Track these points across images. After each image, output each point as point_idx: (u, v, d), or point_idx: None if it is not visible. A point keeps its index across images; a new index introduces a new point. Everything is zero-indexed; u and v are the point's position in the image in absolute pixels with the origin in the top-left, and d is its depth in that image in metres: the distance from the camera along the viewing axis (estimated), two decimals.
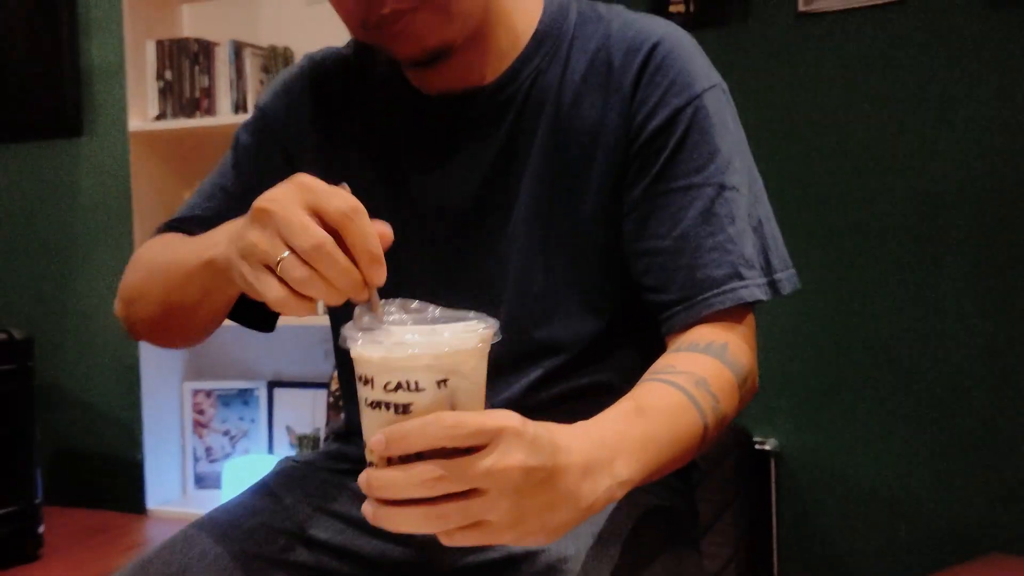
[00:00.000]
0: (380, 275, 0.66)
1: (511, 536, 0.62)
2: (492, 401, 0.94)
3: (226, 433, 2.98)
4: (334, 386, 2.74)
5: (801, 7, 2.25)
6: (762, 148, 2.42)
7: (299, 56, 3.10)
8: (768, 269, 0.91)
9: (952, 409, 2.16)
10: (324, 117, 1.02)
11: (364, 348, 0.62)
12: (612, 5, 0.99)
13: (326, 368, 2.70)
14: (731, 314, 0.89)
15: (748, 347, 0.89)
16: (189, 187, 2.89)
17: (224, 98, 2.80)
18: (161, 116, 2.83)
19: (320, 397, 2.85)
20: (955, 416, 2.15)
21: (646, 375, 0.83)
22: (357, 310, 0.65)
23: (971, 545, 2.12)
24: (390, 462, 0.60)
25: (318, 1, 2.77)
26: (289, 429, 2.91)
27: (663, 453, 0.75)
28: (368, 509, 0.61)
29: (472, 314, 0.65)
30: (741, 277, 0.89)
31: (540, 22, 0.97)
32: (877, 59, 2.20)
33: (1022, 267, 2.10)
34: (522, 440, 0.61)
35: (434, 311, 0.66)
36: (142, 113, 2.85)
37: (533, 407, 0.94)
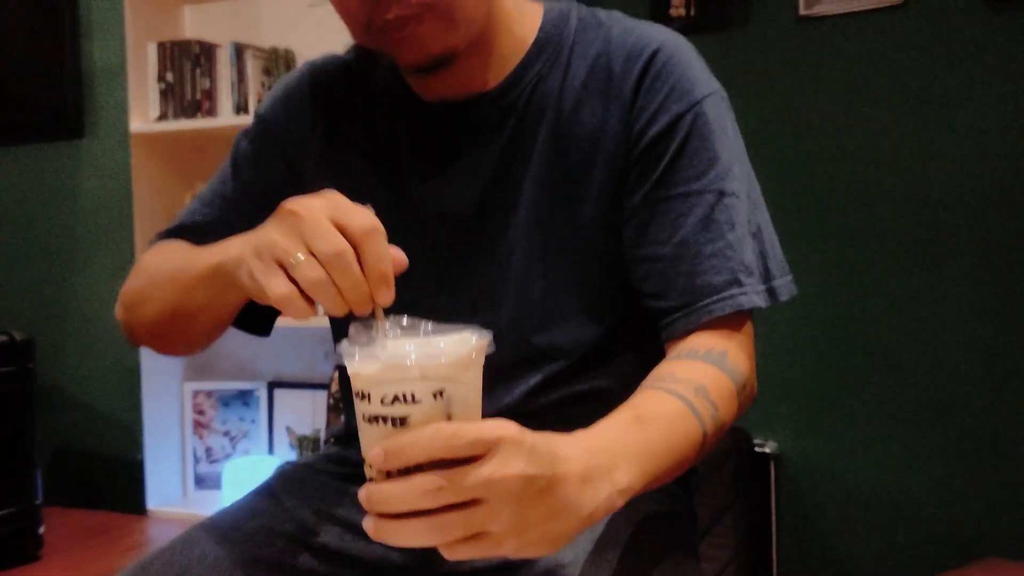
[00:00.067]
0: (387, 296, 0.68)
1: (513, 546, 0.62)
2: (493, 407, 0.94)
3: (226, 434, 2.98)
4: (334, 387, 2.75)
5: (802, 11, 2.25)
6: (762, 151, 2.42)
7: (301, 58, 3.09)
8: (767, 276, 0.92)
9: (951, 413, 2.16)
10: (325, 123, 1.03)
11: (360, 363, 0.62)
12: (612, 11, 1.00)
13: (326, 369, 2.71)
14: (730, 321, 0.89)
15: (747, 354, 0.89)
16: (190, 189, 2.89)
17: (225, 100, 2.80)
18: (162, 118, 2.84)
19: (320, 398, 2.86)
20: (954, 420, 2.16)
21: (645, 383, 0.83)
22: (352, 328, 0.66)
23: (970, 549, 2.13)
24: (389, 476, 0.60)
25: (320, 3, 2.77)
26: (289, 430, 2.91)
27: (663, 461, 0.75)
28: (369, 524, 0.61)
29: (465, 328, 0.65)
30: (740, 284, 0.89)
31: (541, 28, 0.97)
32: (877, 63, 2.20)
33: (1022, 271, 2.11)
34: (521, 449, 0.61)
35: (426, 327, 0.66)
36: (143, 115, 2.85)
37: (533, 412, 0.95)
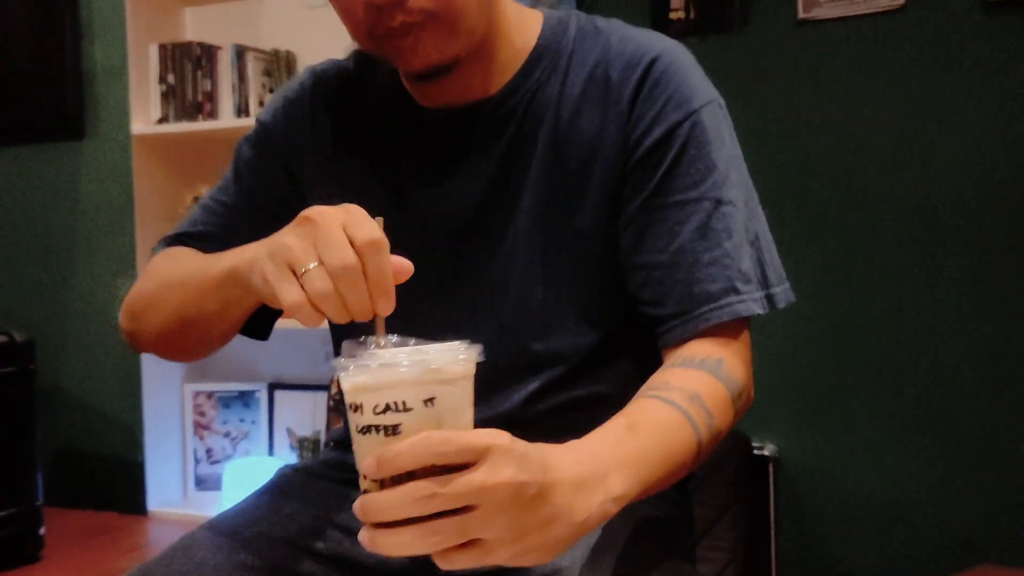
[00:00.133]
0: (387, 307, 0.70)
1: (507, 554, 0.63)
2: (492, 413, 0.95)
3: (227, 435, 2.98)
4: (334, 389, 2.75)
5: (800, 14, 2.26)
6: (761, 154, 2.43)
7: (301, 60, 3.09)
8: (765, 283, 0.92)
9: (950, 415, 2.16)
10: (325, 130, 1.03)
11: (353, 374, 0.63)
12: (611, 19, 1.00)
13: (327, 371, 2.71)
14: (727, 328, 0.89)
15: (743, 362, 0.90)
16: (191, 190, 2.89)
17: (226, 102, 2.80)
18: (163, 119, 2.84)
19: (321, 399, 2.86)
20: (953, 422, 2.16)
21: (640, 391, 0.84)
22: (345, 344, 0.67)
23: (968, 551, 2.13)
24: (383, 486, 0.61)
25: (320, 5, 2.78)
26: (290, 431, 2.92)
27: (657, 469, 0.76)
28: (365, 536, 0.62)
29: (455, 343, 0.66)
30: (737, 292, 0.89)
31: (540, 36, 0.98)
32: (875, 66, 2.21)
33: (1021, 273, 2.11)
34: (512, 456, 0.62)
35: (415, 343, 0.68)
36: (144, 116, 2.85)
37: (532, 418, 0.95)
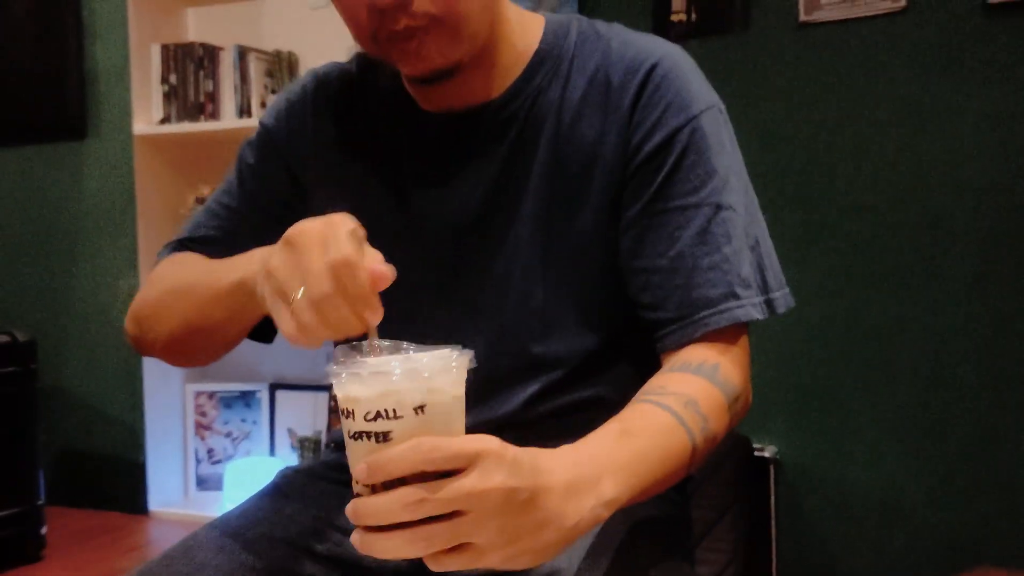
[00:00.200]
0: (374, 317, 0.70)
1: (498, 557, 0.63)
2: (491, 415, 0.96)
3: (228, 435, 2.99)
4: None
5: (801, 17, 2.26)
6: (762, 156, 2.44)
7: (303, 61, 3.08)
8: (764, 288, 0.92)
9: (950, 417, 2.17)
10: (327, 133, 1.03)
11: (344, 382, 0.64)
12: (612, 24, 1.01)
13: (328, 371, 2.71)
14: (725, 334, 0.90)
15: (740, 367, 0.90)
16: (193, 191, 2.90)
17: (228, 102, 2.80)
18: (165, 120, 2.84)
19: (322, 400, 2.87)
20: (953, 424, 2.16)
21: (636, 396, 0.84)
22: (337, 351, 0.68)
23: (968, 554, 2.14)
24: (375, 491, 0.62)
25: (323, 6, 2.78)
26: (291, 431, 2.92)
27: (650, 473, 0.76)
28: (356, 538, 0.63)
29: (446, 348, 0.67)
30: (737, 297, 0.90)
31: (542, 41, 0.98)
32: (876, 68, 2.21)
33: (1022, 276, 2.11)
34: (502, 462, 0.62)
35: (408, 349, 0.69)
36: (146, 117, 2.86)
37: (532, 421, 0.96)
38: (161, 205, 2.89)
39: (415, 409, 0.62)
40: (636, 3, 2.40)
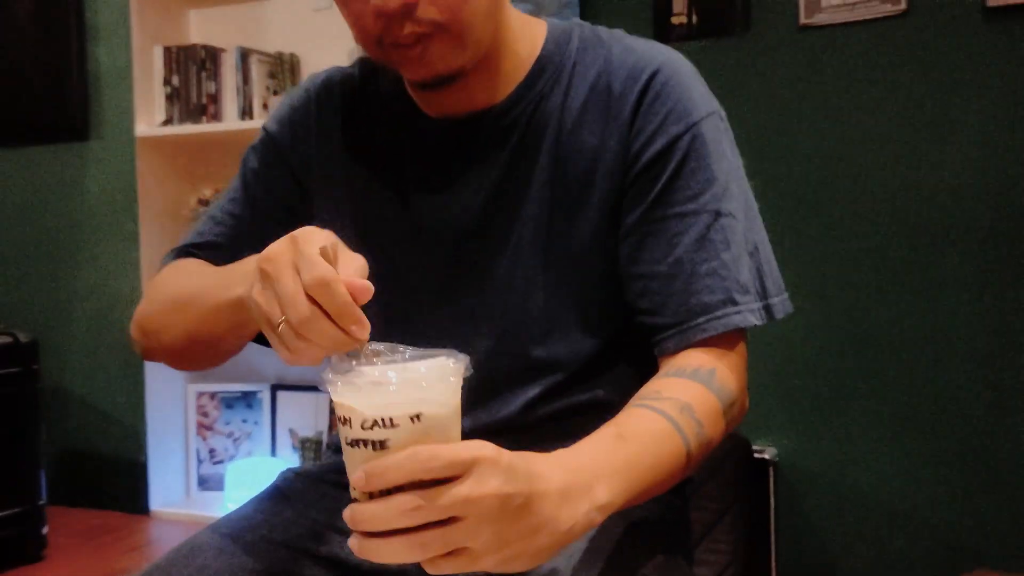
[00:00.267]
0: (361, 332, 0.69)
1: (493, 561, 0.64)
2: (491, 419, 0.96)
3: (229, 435, 2.99)
4: None
5: (802, 20, 2.26)
6: (762, 158, 2.44)
7: (305, 63, 3.08)
8: (763, 293, 0.93)
9: (950, 419, 2.17)
10: (330, 138, 1.04)
11: (341, 390, 0.64)
12: (614, 30, 1.01)
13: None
14: (723, 339, 0.90)
15: (736, 373, 0.90)
16: (195, 192, 2.91)
17: (230, 104, 2.81)
18: (168, 121, 2.85)
19: (323, 401, 2.87)
20: (953, 427, 2.17)
21: (632, 401, 0.85)
22: (334, 356, 0.69)
23: (968, 556, 2.14)
24: (372, 497, 0.63)
25: (325, 8, 2.78)
26: (292, 432, 2.93)
27: (644, 478, 0.76)
28: (354, 543, 0.63)
29: (442, 352, 0.67)
30: (735, 303, 0.90)
31: (544, 47, 0.99)
32: (877, 71, 2.21)
33: (1022, 279, 2.12)
34: (497, 468, 0.63)
35: (404, 352, 0.69)
36: (149, 118, 2.87)
37: (531, 423, 0.96)
38: (163, 206, 2.90)
39: (411, 418, 0.63)
40: (637, 5, 2.41)
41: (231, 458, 2.97)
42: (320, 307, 0.68)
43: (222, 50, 2.83)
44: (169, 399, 2.96)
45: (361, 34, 0.91)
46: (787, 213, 2.29)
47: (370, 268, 0.71)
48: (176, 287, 0.98)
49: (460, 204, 0.98)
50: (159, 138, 2.85)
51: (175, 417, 2.98)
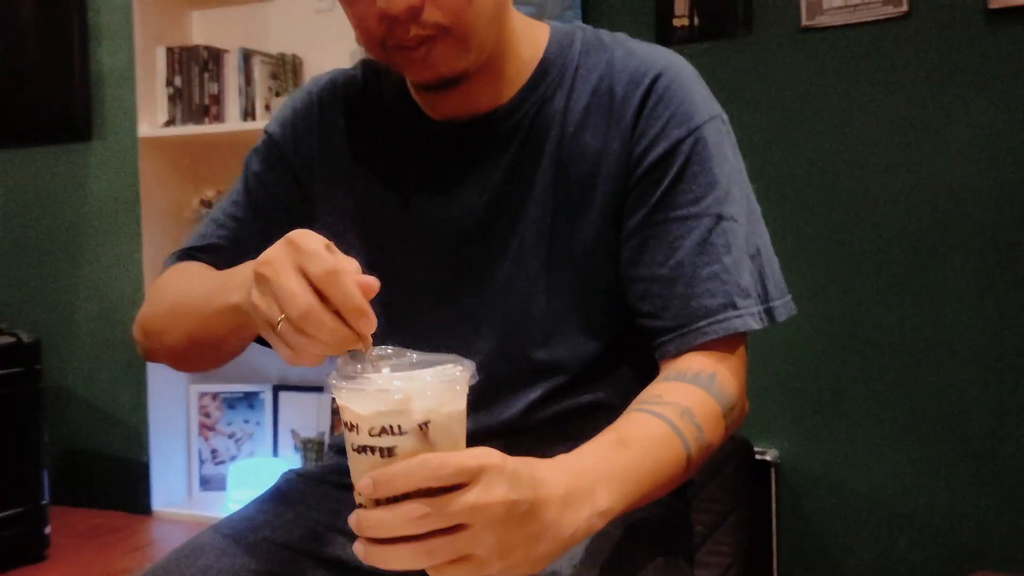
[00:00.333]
0: (368, 326, 0.68)
1: (497, 568, 0.64)
2: (493, 421, 0.97)
3: (231, 436, 3.00)
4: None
5: (803, 22, 2.27)
6: (764, 160, 2.44)
7: (308, 64, 3.08)
8: (765, 297, 0.93)
9: (952, 421, 2.17)
10: (333, 140, 1.04)
11: (348, 396, 0.64)
12: (616, 33, 1.01)
13: (331, 372, 2.72)
14: (723, 343, 0.90)
15: (737, 377, 0.90)
16: (197, 193, 2.91)
17: (233, 105, 2.82)
18: (170, 122, 2.86)
19: (325, 401, 2.88)
20: (955, 428, 2.17)
21: (632, 405, 0.85)
22: (340, 360, 0.68)
23: (970, 557, 2.14)
24: (378, 503, 0.63)
25: (327, 9, 2.79)
26: (294, 432, 2.93)
27: (644, 483, 0.77)
28: (360, 549, 0.64)
29: (449, 357, 0.67)
30: (735, 307, 0.90)
31: (546, 50, 0.99)
32: (879, 73, 2.22)
33: None
34: (503, 475, 0.63)
35: (411, 356, 0.69)
36: (151, 119, 2.87)
37: (533, 425, 0.96)
38: (165, 207, 2.91)
39: (420, 426, 0.63)
40: (638, 7, 2.41)
41: (233, 458, 2.97)
42: (323, 301, 0.67)
43: (224, 51, 2.84)
44: (171, 399, 2.97)
45: (365, 36, 0.91)
46: (789, 214, 2.29)
47: (372, 270, 0.71)
48: (177, 290, 0.99)
49: (462, 206, 0.98)
50: (162, 139, 2.86)
51: (177, 417, 2.99)
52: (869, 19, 2.21)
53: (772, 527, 2.28)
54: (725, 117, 0.97)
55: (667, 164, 0.93)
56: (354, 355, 0.69)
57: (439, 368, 0.66)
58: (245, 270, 0.82)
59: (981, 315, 2.14)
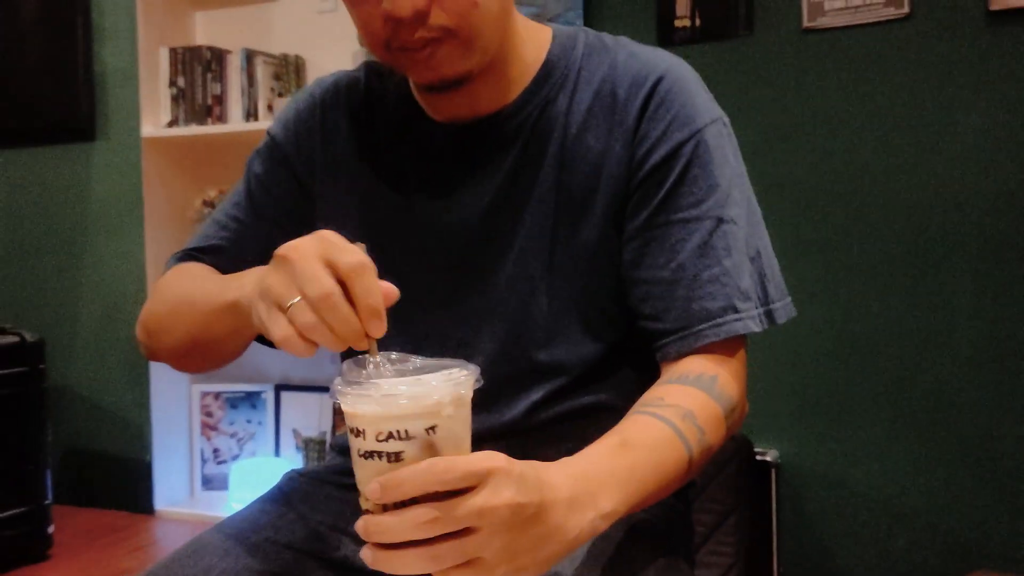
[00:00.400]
0: (379, 329, 0.68)
1: (503, 571, 0.65)
2: (495, 422, 0.97)
3: (234, 435, 3.00)
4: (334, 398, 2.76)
5: (805, 22, 2.27)
6: (765, 160, 2.44)
7: (310, 64, 3.08)
8: (765, 299, 0.94)
9: (952, 421, 2.18)
10: (335, 142, 1.04)
11: (355, 402, 0.65)
12: (618, 37, 1.02)
13: (333, 372, 2.73)
14: (724, 346, 0.91)
15: (737, 379, 0.91)
16: (200, 193, 2.92)
17: (235, 105, 2.82)
18: (173, 122, 2.86)
19: (327, 401, 2.88)
20: (955, 428, 2.17)
21: (635, 407, 0.85)
22: (345, 366, 0.68)
23: (971, 557, 2.14)
24: (385, 508, 0.63)
25: (330, 10, 2.80)
26: (296, 432, 2.94)
27: (647, 485, 0.77)
28: (367, 554, 0.64)
29: (454, 362, 0.68)
30: (736, 310, 0.91)
31: (549, 52, 0.99)
32: (880, 74, 2.22)
33: (1023, 280, 2.12)
34: (510, 479, 0.64)
35: (416, 361, 0.69)
36: (154, 119, 2.88)
37: (534, 426, 0.97)
38: (168, 207, 2.91)
39: (426, 430, 0.64)
40: (640, 8, 2.41)
41: (235, 458, 2.98)
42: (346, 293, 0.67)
43: (227, 51, 2.84)
44: (174, 399, 2.97)
45: (369, 37, 0.91)
46: (789, 215, 2.29)
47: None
48: (179, 290, 0.99)
49: (464, 208, 0.98)
50: (164, 139, 2.86)
51: (180, 417, 3.00)
52: (870, 20, 2.21)
53: (773, 527, 2.28)
54: (726, 120, 0.98)
55: (668, 167, 0.93)
56: (358, 362, 0.69)
57: (445, 372, 0.67)
58: (248, 274, 0.82)
59: (981, 316, 2.15)
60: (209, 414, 3.01)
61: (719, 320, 0.90)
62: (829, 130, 2.27)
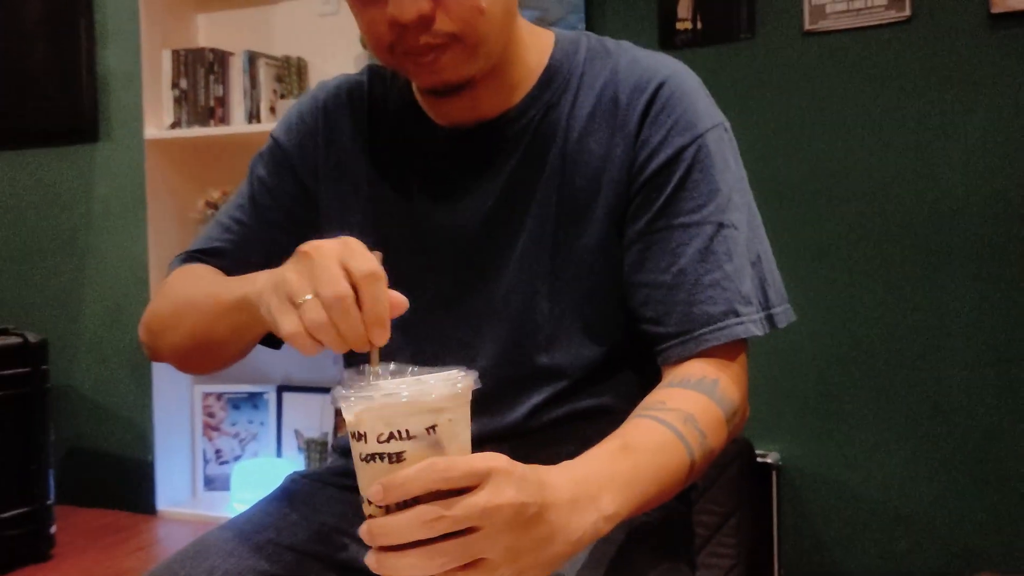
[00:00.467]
0: (382, 337, 0.70)
1: (507, 572, 0.65)
2: (497, 425, 0.97)
3: (236, 436, 3.01)
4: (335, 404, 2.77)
5: (807, 26, 2.28)
6: (766, 163, 2.45)
7: (312, 67, 3.09)
8: (766, 303, 0.94)
9: (953, 423, 2.18)
10: (337, 145, 1.05)
11: (355, 403, 0.65)
12: (620, 41, 1.02)
13: (335, 373, 2.73)
14: (725, 349, 0.91)
15: (738, 383, 0.91)
16: (203, 194, 2.92)
17: (238, 107, 2.83)
18: (176, 124, 2.87)
19: (328, 402, 2.88)
20: (956, 430, 2.18)
21: (636, 411, 0.86)
22: (345, 374, 0.69)
23: (972, 558, 2.15)
24: (388, 511, 0.64)
25: (331, 13, 2.80)
26: (298, 433, 2.94)
27: (649, 488, 0.78)
28: (372, 559, 0.64)
29: (452, 368, 0.69)
30: (737, 314, 0.91)
31: (551, 57, 1.00)
32: (881, 77, 2.22)
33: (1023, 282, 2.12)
34: (511, 478, 0.64)
35: (413, 371, 0.70)
36: (157, 121, 2.88)
37: (535, 429, 0.97)
38: (171, 208, 2.92)
39: (427, 429, 0.64)
40: (642, 11, 2.41)
41: (237, 459, 2.98)
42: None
43: (230, 54, 2.85)
44: (176, 399, 2.98)
45: (374, 41, 0.92)
46: (790, 217, 2.30)
47: None
48: (182, 291, 1.00)
49: (466, 212, 0.99)
50: (167, 140, 2.87)
51: (182, 417, 3.00)
52: (872, 23, 2.21)
53: (774, 529, 2.29)
54: (727, 125, 0.98)
55: (670, 171, 0.93)
56: (359, 371, 0.70)
57: (444, 373, 0.68)
58: (259, 274, 0.83)
59: (980, 318, 2.15)
60: (211, 415, 3.01)
61: (720, 324, 0.90)
62: (830, 132, 2.27)
